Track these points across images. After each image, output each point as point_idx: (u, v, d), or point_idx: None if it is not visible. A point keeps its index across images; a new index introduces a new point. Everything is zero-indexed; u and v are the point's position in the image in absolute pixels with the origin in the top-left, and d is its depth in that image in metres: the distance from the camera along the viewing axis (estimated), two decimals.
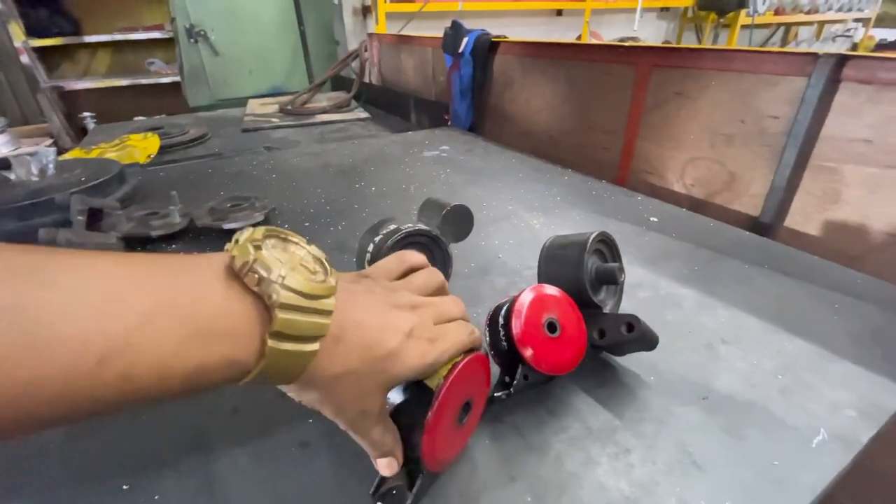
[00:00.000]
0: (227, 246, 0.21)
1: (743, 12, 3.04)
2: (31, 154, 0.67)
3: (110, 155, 1.07)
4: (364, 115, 1.52)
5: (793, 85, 0.63)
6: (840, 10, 3.57)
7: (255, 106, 1.68)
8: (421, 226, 0.37)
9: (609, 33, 2.90)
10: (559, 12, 2.66)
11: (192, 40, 1.92)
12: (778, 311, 0.45)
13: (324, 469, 0.30)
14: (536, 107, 1.08)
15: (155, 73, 2.61)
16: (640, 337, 0.34)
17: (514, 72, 1.11)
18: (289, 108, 1.59)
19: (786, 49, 0.65)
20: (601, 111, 0.94)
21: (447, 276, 0.40)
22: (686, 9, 3.18)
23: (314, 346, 0.21)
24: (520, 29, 2.53)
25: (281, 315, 0.19)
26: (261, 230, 0.22)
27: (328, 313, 0.21)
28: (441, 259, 0.39)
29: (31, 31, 2.24)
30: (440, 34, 1.24)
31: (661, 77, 0.81)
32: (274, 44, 2.04)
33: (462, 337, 0.28)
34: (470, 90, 1.16)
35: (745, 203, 0.74)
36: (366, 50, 1.68)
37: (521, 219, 0.66)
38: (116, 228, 0.61)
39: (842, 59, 0.58)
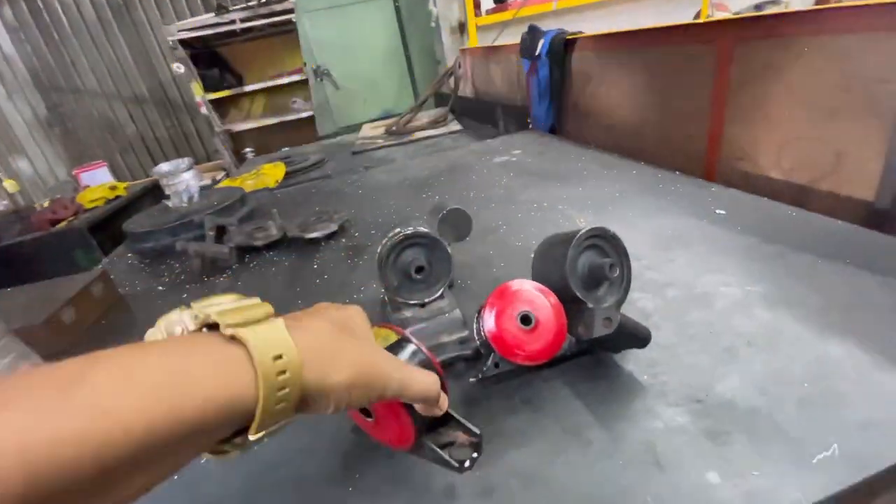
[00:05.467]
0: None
1: None
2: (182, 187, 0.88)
3: (248, 182, 1.32)
4: (457, 127, 1.61)
5: None
6: None
7: (366, 130, 1.89)
8: (420, 228, 0.42)
9: (739, 1, 2.54)
10: None
11: (318, 79, 2.24)
12: (838, 312, 0.38)
13: (329, 426, 0.36)
14: (617, 100, 1.03)
15: (296, 110, 3.09)
16: (622, 332, 0.34)
17: (591, 67, 1.07)
18: (393, 129, 1.75)
19: (886, 0, 0.53)
20: (683, 97, 0.86)
21: (449, 274, 0.43)
22: None
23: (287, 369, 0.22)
24: (626, 17, 2.37)
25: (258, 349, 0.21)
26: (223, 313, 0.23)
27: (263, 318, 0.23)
28: (442, 258, 0.43)
29: (207, 88, 2.83)
30: (523, 35, 1.25)
31: (746, 51, 0.72)
32: (383, 71, 2.27)
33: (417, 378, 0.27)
34: (548, 91, 1.15)
35: (857, 187, 0.61)
36: (459, 66, 1.77)
37: (568, 219, 0.65)
38: (233, 240, 0.77)
39: None
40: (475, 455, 0.27)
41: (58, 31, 3.12)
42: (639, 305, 0.44)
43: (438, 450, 0.27)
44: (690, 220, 0.58)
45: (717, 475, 0.27)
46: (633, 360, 0.37)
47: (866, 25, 0.55)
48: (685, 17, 2.45)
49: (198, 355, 0.21)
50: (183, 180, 0.98)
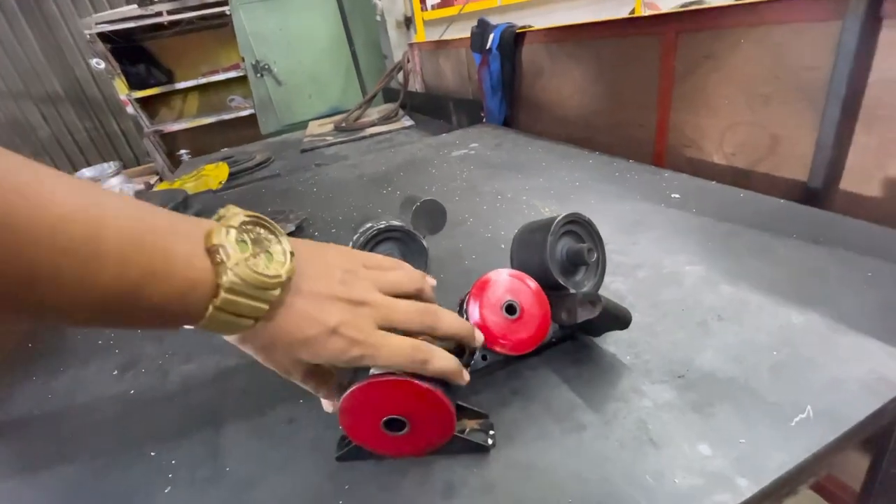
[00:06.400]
0: (218, 213, 0.25)
1: None
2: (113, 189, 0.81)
3: (189, 185, 1.23)
4: (409, 123, 1.58)
5: (827, 29, 0.56)
6: None
7: (314, 127, 1.82)
8: (393, 221, 0.40)
9: (668, 0, 2.69)
10: None
11: (258, 75, 2.13)
12: (794, 283, 0.41)
13: (304, 440, 0.34)
14: (568, 92, 1.05)
15: (235, 108, 2.92)
16: (606, 315, 0.34)
17: (542, 60, 1.09)
18: (342, 125, 1.70)
19: None
20: (631, 87, 0.89)
21: (425, 267, 0.42)
22: None
23: (249, 323, 0.24)
24: (565, 14, 2.45)
25: (225, 295, 0.23)
26: (245, 216, 0.25)
27: (269, 302, 0.24)
28: (417, 251, 0.41)
29: (133, 85, 2.62)
30: (473, 29, 1.25)
31: (689, 42, 0.76)
32: (328, 66, 2.19)
33: (402, 351, 0.27)
34: (500, 85, 1.16)
35: (792, 168, 0.66)
36: (408, 60, 1.74)
37: (533, 208, 0.66)
38: None
39: None
40: (492, 433, 0.30)
41: None
42: (612, 288, 0.45)
43: (466, 437, 0.29)
44: (648, 205, 0.61)
45: (708, 446, 0.28)
46: (614, 343, 0.38)
47: (795, 17, 0.60)
48: (619, 15, 2.56)
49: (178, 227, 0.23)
50: (111, 186, 0.90)
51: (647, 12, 2.51)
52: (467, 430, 0.30)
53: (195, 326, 0.24)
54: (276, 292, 0.25)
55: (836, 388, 0.30)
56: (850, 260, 0.43)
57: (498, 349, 0.33)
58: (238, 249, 0.23)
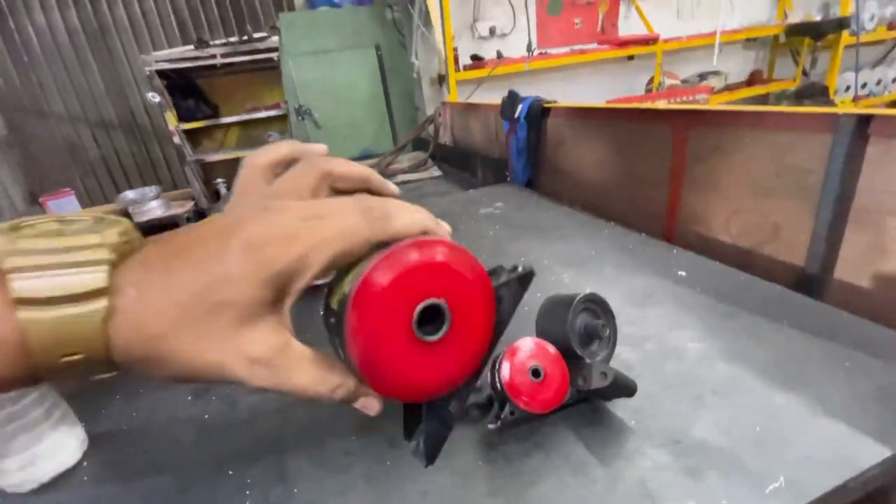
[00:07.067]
0: None
1: (845, 32, 2.82)
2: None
3: None
4: (437, 173, 1.70)
5: (821, 140, 0.65)
6: None
7: None
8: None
9: (686, 70, 2.86)
10: (630, 57, 2.70)
11: (300, 118, 2.30)
12: (781, 365, 0.47)
13: (359, 471, 0.41)
14: (587, 162, 1.15)
15: (272, 143, 3.12)
16: (615, 384, 0.41)
17: (564, 132, 1.20)
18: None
19: (810, 109, 0.67)
20: (645, 167, 0.99)
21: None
22: (776, 36, 3.02)
23: (96, 305, 0.17)
24: (589, 79, 2.62)
25: (14, 277, 0.16)
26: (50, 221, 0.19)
27: (99, 262, 0.17)
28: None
29: (182, 118, 2.83)
30: (503, 99, 1.38)
31: (698, 135, 0.85)
32: (364, 113, 2.36)
33: (351, 214, 0.21)
34: (525, 150, 1.27)
35: (791, 253, 0.73)
36: (440, 115, 1.89)
37: (554, 272, 0.74)
38: None
39: (865, 119, 0.59)
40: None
41: (28, 53, 3.05)
42: (622, 357, 0.52)
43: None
44: (657, 280, 0.68)
45: None
46: (622, 408, 0.45)
47: (794, 125, 0.69)
48: (640, 82, 2.73)
49: None
50: (152, 208, 0.99)
51: (667, 81, 2.68)
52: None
53: (41, 378, 0.18)
54: (103, 251, 0.18)
55: (806, 463, 0.37)
56: (832, 350, 0.49)
57: (522, 406, 0.40)
58: (8, 239, 0.17)
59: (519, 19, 2.30)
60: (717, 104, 0.80)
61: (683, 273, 0.69)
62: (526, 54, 2.28)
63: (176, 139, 2.89)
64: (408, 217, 0.23)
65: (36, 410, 0.40)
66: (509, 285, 0.31)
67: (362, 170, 0.27)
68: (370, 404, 0.26)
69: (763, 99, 3.12)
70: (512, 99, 1.29)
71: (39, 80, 3.06)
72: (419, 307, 0.21)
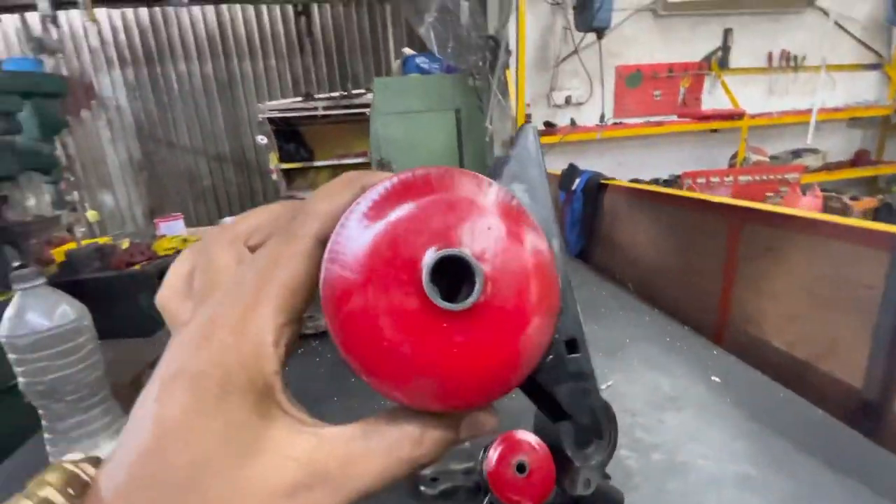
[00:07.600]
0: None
1: None
2: None
3: None
4: None
5: (880, 257, 0.61)
6: None
7: None
8: None
9: (778, 146, 2.70)
10: (714, 130, 2.62)
11: (380, 168, 2.51)
12: (799, 503, 0.44)
13: None
14: (641, 241, 1.14)
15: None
16: (601, 494, 0.41)
17: (621, 208, 1.20)
18: None
19: (866, 224, 0.63)
20: (699, 255, 0.96)
21: None
22: (886, 116, 2.77)
23: None
24: (666, 148, 2.57)
25: None
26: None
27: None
28: None
29: (282, 159, 3.20)
30: (577, 164, 1.41)
31: (753, 231, 0.82)
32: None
33: (333, 187, 0.17)
34: (580, 221, 1.28)
35: (848, 373, 0.67)
36: None
37: None
38: None
39: None
40: None
41: (168, 94, 3.66)
42: (624, 463, 0.51)
43: None
44: (686, 382, 0.65)
45: None
46: None
47: (851, 238, 0.65)
48: (724, 156, 2.62)
49: None
50: None
51: (753, 156, 2.54)
52: None
53: None
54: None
55: None
56: (858, 491, 0.45)
57: (503, 500, 0.42)
58: None
59: (596, 90, 2.36)
60: (772, 205, 0.78)
61: (717, 379, 0.66)
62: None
63: (274, 176, 3.27)
64: (323, 194, 0.17)
65: (100, 421, 0.49)
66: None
67: (260, 214, 0.21)
68: (478, 420, 0.18)
69: (871, 181, 2.84)
70: (571, 171, 1.32)
71: (174, 116, 3.66)
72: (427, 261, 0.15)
